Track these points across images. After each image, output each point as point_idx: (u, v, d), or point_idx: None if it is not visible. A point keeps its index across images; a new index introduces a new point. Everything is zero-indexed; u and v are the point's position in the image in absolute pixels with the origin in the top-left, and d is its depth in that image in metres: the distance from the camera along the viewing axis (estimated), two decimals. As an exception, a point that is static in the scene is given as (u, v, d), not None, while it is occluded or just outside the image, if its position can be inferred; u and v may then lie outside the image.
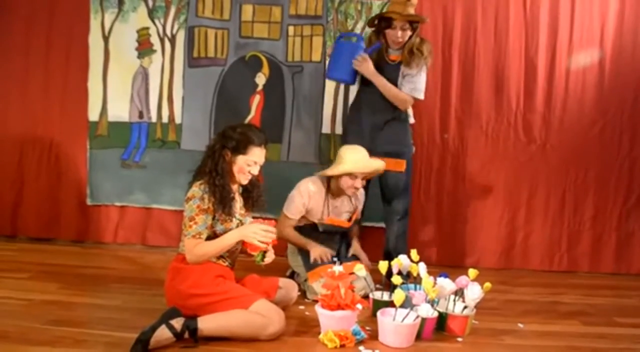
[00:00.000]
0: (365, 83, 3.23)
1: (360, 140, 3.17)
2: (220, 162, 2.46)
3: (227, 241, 2.43)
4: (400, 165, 3.24)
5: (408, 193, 3.33)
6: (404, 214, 3.31)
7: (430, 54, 3.19)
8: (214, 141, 2.54)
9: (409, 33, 3.15)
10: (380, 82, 3.15)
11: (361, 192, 3.27)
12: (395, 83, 3.16)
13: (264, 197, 2.67)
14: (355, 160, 3.01)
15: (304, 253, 3.08)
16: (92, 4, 3.78)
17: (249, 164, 2.50)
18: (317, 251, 3.05)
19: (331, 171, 3.05)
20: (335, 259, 3.01)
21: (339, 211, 3.18)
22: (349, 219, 3.22)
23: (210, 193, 2.41)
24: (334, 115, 3.81)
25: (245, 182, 2.56)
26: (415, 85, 3.15)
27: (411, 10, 3.12)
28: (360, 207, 3.30)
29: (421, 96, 3.18)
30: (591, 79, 3.76)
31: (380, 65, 3.18)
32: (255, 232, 2.38)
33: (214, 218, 2.45)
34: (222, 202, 2.43)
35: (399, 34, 3.12)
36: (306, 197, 3.08)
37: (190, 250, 2.40)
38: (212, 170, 2.44)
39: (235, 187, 2.57)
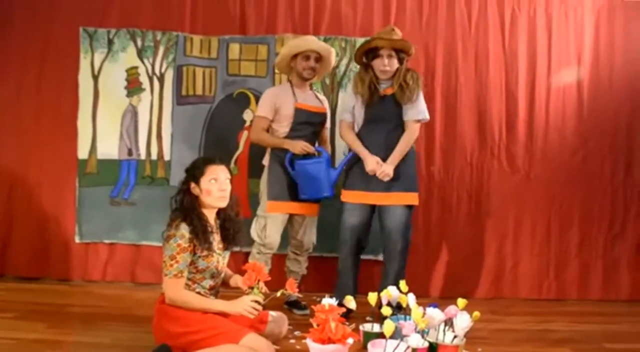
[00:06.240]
0: (369, 122, 3.20)
1: (365, 184, 3.15)
2: (187, 196, 2.50)
3: (214, 307, 2.43)
4: (415, 198, 3.21)
5: (410, 227, 3.27)
6: (404, 247, 3.21)
7: (418, 81, 3.16)
8: (180, 182, 2.57)
9: (396, 62, 3.13)
10: (395, 157, 3.12)
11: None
12: (392, 115, 3.16)
13: (241, 233, 2.68)
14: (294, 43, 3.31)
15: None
16: (82, 44, 3.86)
17: (210, 181, 2.50)
18: (298, 145, 3.20)
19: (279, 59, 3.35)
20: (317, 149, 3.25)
21: (308, 102, 3.33)
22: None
23: (189, 230, 2.42)
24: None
25: (221, 204, 2.54)
26: (417, 108, 3.16)
27: (396, 39, 3.14)
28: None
29: (426, 116, 3.20)
30: (570, 109, 3.87)
31: (374, 101, 3.16)
32: (247, 305, 2.38)
33: (194, 255, 2.46)
34: (202, 236, 2.44)
35: (385, 63, 3.09)
36: (273, 95, 3.30)
37: (173, 290, 2.39)
38: (185, 206, 2.47)
39: (212, 221, 2.58)
